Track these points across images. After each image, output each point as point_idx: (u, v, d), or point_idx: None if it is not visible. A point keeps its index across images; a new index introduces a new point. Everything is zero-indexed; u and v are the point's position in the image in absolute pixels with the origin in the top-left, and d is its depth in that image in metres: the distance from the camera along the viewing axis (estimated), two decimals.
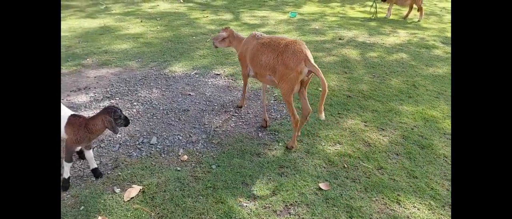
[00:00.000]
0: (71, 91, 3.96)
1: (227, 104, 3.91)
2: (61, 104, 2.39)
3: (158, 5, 8.96)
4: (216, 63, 5.11)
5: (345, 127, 3.50)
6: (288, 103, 2.90)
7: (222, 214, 2.33)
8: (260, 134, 3.33)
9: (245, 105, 3.88)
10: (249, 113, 3.74)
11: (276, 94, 4.22)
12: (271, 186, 2.63)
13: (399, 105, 4.03)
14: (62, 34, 5.98)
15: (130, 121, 3.40)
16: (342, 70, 5.07)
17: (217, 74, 4.72)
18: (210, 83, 4.44)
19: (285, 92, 2.83)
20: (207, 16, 8.03)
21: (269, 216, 2.34)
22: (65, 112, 2.36)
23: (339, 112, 3.82)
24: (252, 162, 2.90)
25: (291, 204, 2.45)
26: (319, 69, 2.69)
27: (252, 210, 2.38)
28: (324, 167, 2.87)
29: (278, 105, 3.93)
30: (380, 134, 3.41)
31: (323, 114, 2.75)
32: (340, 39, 6.67)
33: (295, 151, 3.07)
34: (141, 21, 7.20)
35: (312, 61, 2.72)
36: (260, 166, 2.85)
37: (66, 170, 2.40)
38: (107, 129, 2.36)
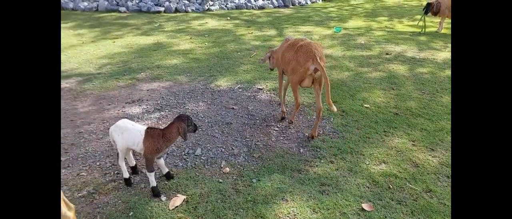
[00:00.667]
0: (126, 103, 4.29)
1: (269, 118, 3.96)
2: (132, 122, 2.60)
3: (206, 23, 9.42)
4: (259, 78, 5.22)
5: (391, 146, 3.36)
6: (293, 90, 3.49)
7: None
8: (301, 150, 3.32)
9: (286, 111, 3.91)
10: (290, 128, 3.75)
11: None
12: (311, 203, 2.59)
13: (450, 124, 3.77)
14: (120, 50, 6.52)
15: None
16: (389, 86, 4.89)
17: (260, 89, 4.82)
18: (252, 97, 4.54)
19: (293, 82, 3.39)
20: (251, 33, 8.26)
21: None
22: (141, 127, 2.55)
23: (385, 130, 3.68)
24: (292, 178, 2.90)
25: None
26: (324, 67, 3.12)
27: None
28: (368, 187, 2.77)
29: (321, 122, 3.90)
30: (429, 155, 3.22)
31: (333, 106, 3.20)
32: (387, 54, 6.46)
33: (337, 169, 3.01)
34: (191, 38, 7.61)
35: (319, 60, 3.14)
36: (300, 183, 2.83)
37: (152, 180, 2.58)
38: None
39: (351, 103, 4.34)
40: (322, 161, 3.14)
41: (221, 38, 7.61)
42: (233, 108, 4.21)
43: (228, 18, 10.21)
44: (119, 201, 2.58)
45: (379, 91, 4.69)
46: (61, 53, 6.12)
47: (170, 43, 7.17)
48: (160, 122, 3.82)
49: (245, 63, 5.90)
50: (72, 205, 2.04)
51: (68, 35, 7.58)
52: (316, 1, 13.90)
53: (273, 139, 3.53)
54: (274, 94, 4.66)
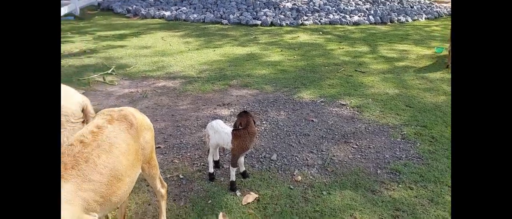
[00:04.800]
0: (217, 105, 4.78)
1: (348, 135, 3.92)
2: (223, 125, 2.93)
3: (298, 37, 9.69)
4: (344, 94, 5.17)
5: None
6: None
7: None
8: (378, 171, 3.21)
9: (368, 139, 3.81)
10: (370, 148, 3.65)
11: (404, 132, 3.95)
12: None
13: None
14: (218, 58, 7.24)
15: (258, 137, 3.86)
16: None
17: (343, 104, 4.79)
18: (334, 112, 4.55)
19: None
20: (342, 48, 8.18)
21: None
22: (228, 129, 2.87)
23: None
24: (365, 197, 2.84)
25: None
26: None
27: None
28: None
29: (404, 144, 3.69)
30: None
31: None
32: None
33: (416, 196, 2.82)
34: (281, 51, 7.96)
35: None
36: (372, 204, 2.76)
37: (233, 174, 2.90)
38: None
39: (443, 130, 3.97)
40: (400, 185, 2.98)
41: (310, 52, 7.75)
42: (313, 120, 4.30)
43: (320, 33, 10.30)
44: (202, 189, 2.94)
45: None
46: (172, 57, 7.13)
47: (261, 54, 7.64)
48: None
49: (331, 78, 5.92)
50: (165, 184, 2.44)
51: (178, 42, 8.74)
52: (418, 19, 12.90)
53: (350, 156, 3.49)
54: (357, 111, 4.57)
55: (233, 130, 2.84)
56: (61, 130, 2.36)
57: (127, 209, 2.57)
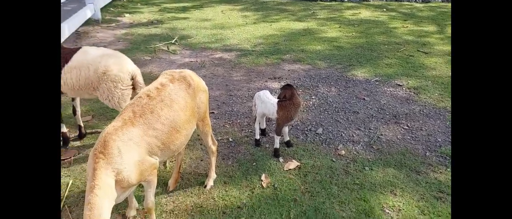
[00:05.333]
0: (269, 78, 4.93)
1: (400, 116, 3.81)
2: (270, 96, 3.07)
3: (360, 13, 9.25)
4: (401, 74, 4.94)
5: None
6: None
7: (361, 210, 2.47)
8: (427, 154, 3.12)
9: (420, 121, 3.67)
10: (422, 130, 3.52)
11: None
12: (421, 205, 2.50)
13: None
14: (274, 32, 7.31)
15: (305, 110, 3.95)
16: None
17: (399, 85, 4.60)
18: (388, 92, 4.41)
19: None
20: (406, 27, 7.66)
21: None
22: (274, 100, 3.02)
23: None
24: (408, 176, 2.82)
25: None
26: None
27: None
28: None
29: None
30: None
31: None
32: None
33: None
34: (339, 27, 7.73)
35: None
36: (415, 183, 2.73)
37: (277, 142, 3.08)
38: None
39: None
40: (448, 169, 2.88)
41: (370, 29, 7.41)
42: (364, 99, 4.23)
43: (384, 9, 9.69)
44: (248, 152, 3.16)
45: None
46: (230, 30, 7.38)
47: (318, 30, 7.51)
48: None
49: (390, 57, 5.65)
50: (216, 142, 2.70)
51: (237, 16, 8.95)
52: None
53: (398, 137, 3.42)
54: (413, 92, 4.37)
55: (278, 101, 2.97)
56: (112, 94, 2.74)
57: (183, 161, 2.91)
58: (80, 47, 2.89)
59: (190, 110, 2.16)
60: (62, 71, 2.75)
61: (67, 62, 2.75)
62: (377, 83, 4.68)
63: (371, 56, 5.72)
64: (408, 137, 3.40)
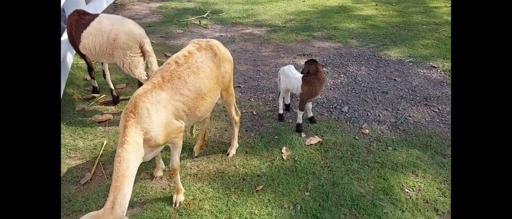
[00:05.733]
0: (297, 55, 4.89)
1: (432, 98, 3.67)
2: (295, 71, 3.06)
3: None
4: (437, 56, 4.70)
5: None
6: None
7: (380, 188, 2.47)
8: None
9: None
10: None
11: None
12: (443, 187, 2.46)
13: None
14: (306, 9, 7.15)
15: (332, 88, 3.91)
16: None
17: (434, 67, 4.39)
18: (421, 73, 4.23)
19: None
20: (448, 6, 7.16)
21: (427, 210, 2.27)
22: (299, 75, 3.01)
23: None
24: (432, 158, 2.76)
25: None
26: None
27: (411, 198, 2.38)
28: None
29: None
30: None
31: None
32: None
33: None
34: (376, 5, 7.39)
35: None
36: (440, 166, 2.67)
37: (300, 117, 3.11)
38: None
39: None
40: None
41: (409, 8, 7.02)
42: (395, 79, 4.10)
43: None
44: (271, 126, 3.23)
45: None
46: (261, 6, 7.31)
47: (353, 7, 7.23)
48: None
49: (427, 38, 5.37)
50: (239, 113, 2.79)
51: None
52: None
53: (427, 119, 3.32)
54: (448, 75, 4.17)
55: (303, 76, 2.97)
56: (122, 60, 2.96)
57: (208, 130, 3.04)
58: (98, 15, 3.10)
59: (215, 79, 2.24)
60: (82, 36, 3.00)
61: (85, 28, 3.01)
62: (411, 64, 4.50)
63: (407, 36, 5.46)
64: (437, 120, 3.29)
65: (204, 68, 2.16)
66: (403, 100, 3.66)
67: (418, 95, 3.75)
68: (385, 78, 4.14)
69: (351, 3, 7.57)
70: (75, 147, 2.91)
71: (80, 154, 2.83)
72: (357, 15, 6.67)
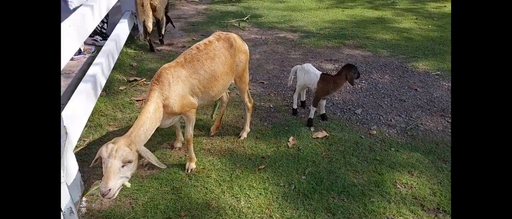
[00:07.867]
0: (324, 59, 5.11)
1: (449, 110, 3.69)
2: (313, 67, 3.31)
3: (445, 6, 8.52)
4: None
5: None
6: None
7: (373, 181, 2.64)
8: None
9: None
10: None
11: None
12: (436, 188, 2.56)
13: None
14: (344, 18, 7.30)
15: (350, 92, 4.09)
16: None
17: None
18: (446, 86, 4.23)
19: None
20: None
21: (413, 205, 2.41)
22: (318, 72, 3.26)
23: None
24: (433, 163, 2.85)
25: (448, 213, 2.34)
26: None
27: (401, 193, 2.52)
28: None
29: None
30: None
31: None
32: None
33: None
34: (416, 19, 7.32)
35: None
36: (438, 170, 2.76)
37: (312, 112, 3.35)
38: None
39: None
40: None
41: (449, 24, 6.85)
42: (416, 89, 4.16)
43: None
44: (283, 118, 3.51)
45: None
46: (300, 13, 7.61)
47: (392, 19, 7.24)
48: None
49: None
50: (252, 100, 3.12)
51: (311, 0, 9.08)
52: None
53: (439, 128, 3.38)
54: None
55: (322, 73, 3.22)
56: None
57: (226, 116, 3.40)
58: None
59: (228, 66, 2.61)
60: None
61: None
62: (437, 77, 4.50)
63: (441, 50, 5.42)
64: (449, 130, 3.33)
65: (220, 56, 2.54)
66: (419, 109, 3.73)
67: (436, 105, 3.80)
68: (406, 87, 4.22)
69: (391, 15, 7.57)
70: (114, 117, 3.44)
71: (118, 123, 3.34)
72: (393, 27, 6.69)
